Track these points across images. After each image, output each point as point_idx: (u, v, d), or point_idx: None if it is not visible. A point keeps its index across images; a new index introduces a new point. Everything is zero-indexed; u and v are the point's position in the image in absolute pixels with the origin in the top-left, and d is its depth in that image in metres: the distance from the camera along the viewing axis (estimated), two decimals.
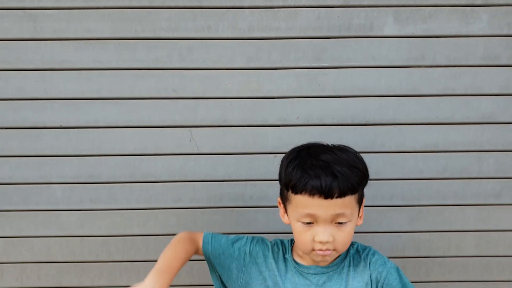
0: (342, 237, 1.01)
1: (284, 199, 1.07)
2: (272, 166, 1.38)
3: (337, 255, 1.08)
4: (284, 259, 1.12)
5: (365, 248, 1.14)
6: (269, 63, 1.38)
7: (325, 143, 1.09)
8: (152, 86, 1.39)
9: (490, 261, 1.51)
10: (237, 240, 1.16)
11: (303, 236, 1.02)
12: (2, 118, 1.39)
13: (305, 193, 0.98)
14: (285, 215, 1.09)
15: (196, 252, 1.15)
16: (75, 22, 1.35)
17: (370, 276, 1.10)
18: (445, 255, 1.50)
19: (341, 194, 0.98)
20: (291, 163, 1.04)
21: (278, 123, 1.41)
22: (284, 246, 1.15)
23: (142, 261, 1.47)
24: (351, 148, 1.08)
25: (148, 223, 1.45)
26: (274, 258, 1.13)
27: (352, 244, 1.14)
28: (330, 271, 1.09)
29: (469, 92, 1.41)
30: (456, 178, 1.45)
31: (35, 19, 1.34)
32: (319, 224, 1.00)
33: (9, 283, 1.48)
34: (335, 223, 1.01)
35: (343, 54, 1.38)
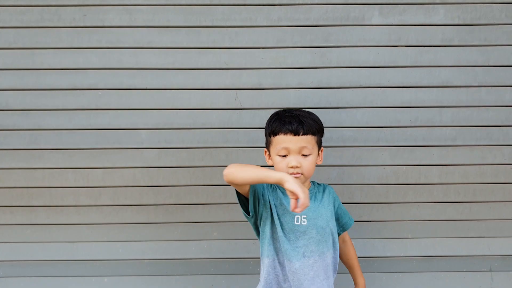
0: (306, 165, 1.52)
1: (268, 145, 1.59)
2: None
3: (305, 179, 1.54)
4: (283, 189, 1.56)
5: (321, 183, 1.69)
6: (292, 44, 1.97)
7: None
8: (210, 60, 1.98)
9: (449, 187, 2.09)
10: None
11: (280, 165, 1.52)
12: (104, 82, 1.98)
13: (281, 133, 1.51)
14: (269, 159, 1.60)
15: None
16: (159, 15, 1.94)
17: (333, 197, 1.66)
18: (417, 182, 2.08)
19: (305, 133, 1.51)
20: (272, 119, 1.58)
21: (298, 86, 2.00)
22: None
23: (201, 185, 2.05)
24: (312, 112, 1.61)
25: (205, 158, 2.04)
26: (279, 188, 1.60)
27: (313, 182, 1.68)
28: (310, 193, 1.60)
29: (432, 64, 2.00)
30: (424, 126, 2.03)
31: (130, 12, 1.94)
32: (290, 155, 1.52)
33: (104, 202, 2.07)
34: (301, 154, 1.52)
35: (344, 37, 1.98)
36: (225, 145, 2.04)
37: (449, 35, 1.99)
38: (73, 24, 1.95)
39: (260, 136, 1.98)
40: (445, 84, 2.02)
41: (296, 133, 1.51)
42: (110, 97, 1.99)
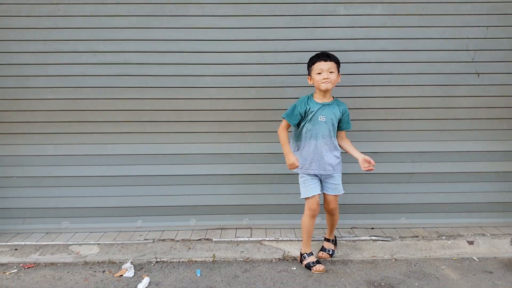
0: (332, 77, 2.89)
1: (309, 71, 2.97)
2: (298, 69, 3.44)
3: (332, 86, 2.88)
4: (310, 99, 2.98)
5: (340, 102, 3.03)
6: (294, 26, 3.46)
7: None
8: (248, 35, 3.46)
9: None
10: (295, 107, 2.98)
11: (318, 78, 2.89)
12: (188, 47, 3.46)
13: (317, 61, 2.90)
14: (310, 80, 2.98)
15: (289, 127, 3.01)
16: (216, 9, 3.42)
17: (343, 110, 2.99)
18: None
19: (330, 60, 2.89)
20: (312, 57, 2.95)
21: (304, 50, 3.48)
22: (309, 97, 3.01)
23: (241, 110, 3.52)
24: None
25: (243, 93, 3.51)
26: (307, 102, 2.95)
27: (337, 99, 3.02)
28: (330, 104, 2.98)
29: (373, 37, 3.48)
30: (400, 85, 3.51)
31: (199, 6, 3.42)
32: (323, 72, 2.90)
33: (184, 119, 3.54)
34: (329, 72, 2.90)
35: (334, 21, 3.45)
36: (246, 85, 3.49)
37: (384, 21, 3.47)
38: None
39: (279, 81, 3.44)
40: (383, 49, 3.48)
41: (326, 59, 2.86)
42: (191, 56, 3.46)
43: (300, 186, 3.01)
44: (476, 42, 3.44)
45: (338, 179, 3.00)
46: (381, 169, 3.54)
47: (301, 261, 3.09)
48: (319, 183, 3.00)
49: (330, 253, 3.19)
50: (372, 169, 2.79)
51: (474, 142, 3.56)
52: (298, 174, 3.02)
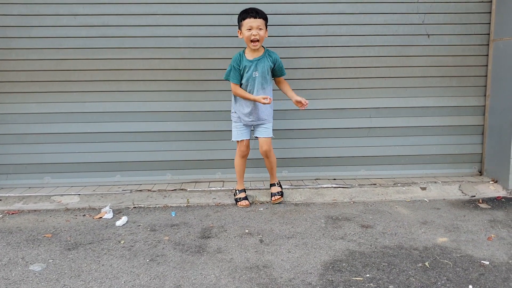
0: (261, 33, 3.12)
1: (240, 27, 3.20)
2: None
3: (260, 43, 3.16)
4: (243, 58, 3.25)
5: (272, 52, 3.32)
6: None
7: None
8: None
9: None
10: (232, 67, 3.25)
11: (247, 34, 3.14)
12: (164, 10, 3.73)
13: (247, 17, 3.14)
14: (240, 35, 3.24)
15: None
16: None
17: (274, 59, 3.28)
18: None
19: (259, 17, 3.14)
20: (241, 12, 3.18)
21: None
22: (240, 54, 3.29)
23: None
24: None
25: (213, 53, 3.79)
26: (240, 60, 3.23)
27: (267, 49, 3.31)
28: (260, 58, 3.25)
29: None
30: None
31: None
32: (253, 29, 3.16)
33: (158, 80, 3.81)
34: (258, 29, 3.16)
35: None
36: (225, 46, 3.78)
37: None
38: None
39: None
40: (342, 12, 3.80)
41: (255, 16, 3.13)
42: (164, 19, 3.73)
43: (233, 129, 3.39)
44: (426, 5, 3.78)
45: (269, 124, 3.35)
46: (341, 124, 3.86)
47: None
48: (249, 129, 3.38)
49: (280, 194, 3.49)
50: (304, 107, 3.21)
51: (427, 98, 3.90)
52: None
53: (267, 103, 3.15)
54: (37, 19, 3.64)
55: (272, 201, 3.46)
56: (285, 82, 3.41)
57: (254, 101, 3.20)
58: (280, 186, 3.54)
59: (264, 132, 3.34)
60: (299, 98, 3.23)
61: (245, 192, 3.49)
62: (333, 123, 3.88)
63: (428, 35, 3.82)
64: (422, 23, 3.80)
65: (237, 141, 3.39)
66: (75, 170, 3.82)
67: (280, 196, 3.46)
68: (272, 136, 3.36)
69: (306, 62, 3.82)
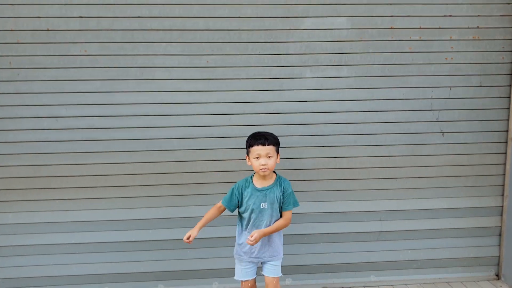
0: (270, 163, 2.63)
1: (248, 153, 2.70)
2: None
3: (269, 172, 2.65)
4: (249, 185, 2.78)
5: (283, 179, 2.77)
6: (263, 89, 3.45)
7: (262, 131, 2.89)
8: (215, 98, 3.42)
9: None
10: (232, 192, 2.77)
11: (256, 163, 2.63)
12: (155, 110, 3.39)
13: (254, 144, 2.65)
14: (249, 161, 2.75)
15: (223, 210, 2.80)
16: (183, 73, 3.37)
17: (282, 189, 2.80)
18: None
19: (268, 143, 2.63)
20: (249, 137, 2.69)
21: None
22: (248, 180, 2.81)
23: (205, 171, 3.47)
24: (272, 133, 2.84)
25: (210, 155, 3.46)
26: (246, 187, 2.83)
27: (279, 176, 2.82)
28: (269, 188, 2.79)
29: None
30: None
31: (165, 70, 3.37)
32: (261, 158, 2.69)
33: (150, 185, 3.46)
34: (267, 157, 2.70)
35: (301, 83, 3.46)
36: (223, 147, 3.45)
37: (350, 83, 3.49)
38: None
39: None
40: (349, 110, 3.50)
41: (264, 144, 2.66)
42: (157, 120, 3.40)
43: (236, 265, 2.93)
44: (440, 102, 3.51)
45: (278, 261, 2.89)
46: (350, 228, 3.57)
47: None
48: (256, 266, 2.92)
49: None
50: (249, 243, 2.68)
51: (440, 199, 3.62)
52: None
53: (251, 243, 2.68)
54: (13, 122, 3.28)
55: None
56: (283, 219, 2.83)
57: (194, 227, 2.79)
58: None
59: (273, 271, 2.88)
60: (251, 234, 2.69)
61: None
62: (340, 227, 3.59)
63: (443, 132, 3.53)
64: (436, 120, 3.51)
65: (241, 280, 2.94)
66: (57, 284, 3.46)
67: None
68: (280, 274, 2.92)
69: (310, 163, 3.50)
